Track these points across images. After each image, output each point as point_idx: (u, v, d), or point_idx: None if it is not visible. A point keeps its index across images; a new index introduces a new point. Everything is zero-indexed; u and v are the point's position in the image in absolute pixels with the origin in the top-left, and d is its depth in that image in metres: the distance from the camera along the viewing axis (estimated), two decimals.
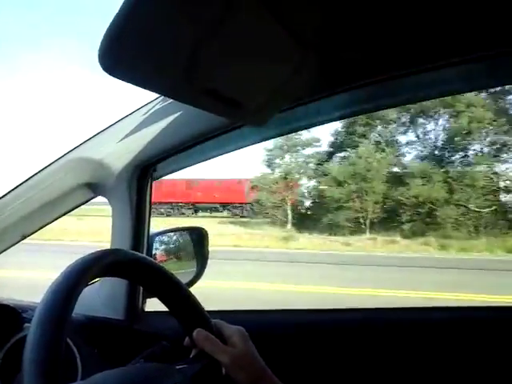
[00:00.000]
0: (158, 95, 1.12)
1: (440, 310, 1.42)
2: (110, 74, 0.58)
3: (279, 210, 22.03)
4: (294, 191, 22.33)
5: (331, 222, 19.14)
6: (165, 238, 1.35)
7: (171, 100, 1.10)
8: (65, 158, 1.21)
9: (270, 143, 23.36)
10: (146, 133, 1.13)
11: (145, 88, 0.66)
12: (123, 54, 0.57)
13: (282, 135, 1.22)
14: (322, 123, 1.20)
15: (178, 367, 0.83)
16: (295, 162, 22.80)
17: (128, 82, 0.62)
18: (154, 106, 1.13)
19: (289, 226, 21.35)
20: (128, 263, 0.82)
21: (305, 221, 20.91)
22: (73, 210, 1.26)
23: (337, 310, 1.41)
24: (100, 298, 1.21)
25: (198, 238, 1.37)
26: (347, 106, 1.13)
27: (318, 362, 1.22)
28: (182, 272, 1.28)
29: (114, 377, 0.76)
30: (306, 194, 22.80)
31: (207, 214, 27.69)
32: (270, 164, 23.40)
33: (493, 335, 1.23)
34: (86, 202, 1.26)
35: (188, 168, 1.32)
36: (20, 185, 1.22)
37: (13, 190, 1.23)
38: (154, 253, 1.26)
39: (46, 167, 1.22)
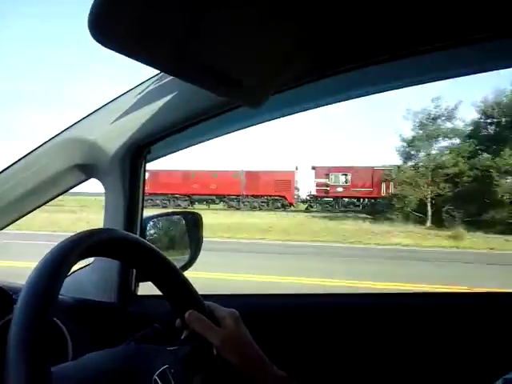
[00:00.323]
0: (152, 75, 1.10)
1: (440, 296, 1.42)
2: (100, 43, 0.56)
3: (417, 205, 21.55)
4: (439, 186, 21.76)
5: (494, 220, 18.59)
6: (159, 222, 1.33)
7: (165, 80, 1.09)
8: (57, 139, 1.19)
9: (408, 134, 22.94)
10: (140, 113, 1.12)
11: (138, 60, 0.63)
12: (115, 22, 0.54)
13: (278, 118, 1.20)
14: (318, 106, 1.18)
15: (168, 349, 0.83)
16: (438, 153, 22.22)
17: (119, 52, 0.59)
18: (148, 87, 1.12)
19: (428, 223, 20.89)
20: (120, 243, 0.81)
21: (453, 218, 20.26)
22: (65, 191, 1.25)
23: (336, 294, 1.41)
24: (92, 281, 1.20)
25: (193, 222, 1.36)
26: (343, 88, 1.12)
27: (313, 345, 1.22)
28: (175, 256, 1.27)
29: (103, 357, 0.76)
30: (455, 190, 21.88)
31: (203, 205, 27.58)
32: (409, 156, 23.14)
33: (487, 321, 1.23)
34: (79, 183, 1.24)
35: (181, 150, 1.31)
36: (11, 166, 1.20)
37: (3, 171, 1.21)
38: (147, 236, 1.25)
39: (37, 148, 1.20)
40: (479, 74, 1.08)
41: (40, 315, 0.60)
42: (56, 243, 0.69)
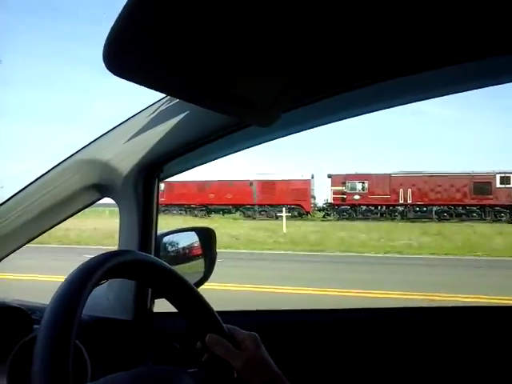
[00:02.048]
0: (164, 95, 1.13)
1: (440, 311, 1.42)
2: (114, 74, 0.59)
3: None
4: None
5: None
6: (172, 239, 1.35)
7: (177, 100, 1.11)
8: (71, 160, 1.23)
9: None
10: (153, 133, 1.15)
11: (151, 88, 0.67)
12: (128, 54, 0.57)
13: (288, 135, 1.22)
14: (328, 123, 1.20)
15: (189, 371, 0.84)
16: None
17: (133, 81, 0.62)
18: (160, 107, 1.14)
19: None
20: (138, 265, 0.83)
21: None
22: (80, 211, 1.28)
23: (351, 309, 1.41)
24: (108, 298, 1.22)
25: (206, 238, 1.38)
26: (353, 105, 1.14)
27: (330, 362, 1.22)
28: (189, 273, 1.29)
29: (124, 379, 0.77)
30: None
31: (219, 215, 27.57)
32: None
33: (491, 335, 1.23)
34: (93, 203, 1.28)
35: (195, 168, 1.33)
36: (27, 186, 1.24)
37: (20, 191, 1.25)
38: (161, 253, 1.27)
39: (52, 169, 1.23)
40: None
41: (65, 337, 0.62)
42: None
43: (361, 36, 0.86)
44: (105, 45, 0.55)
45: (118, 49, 0.56)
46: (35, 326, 0.95)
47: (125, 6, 0.53)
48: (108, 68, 0.57)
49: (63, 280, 0.69)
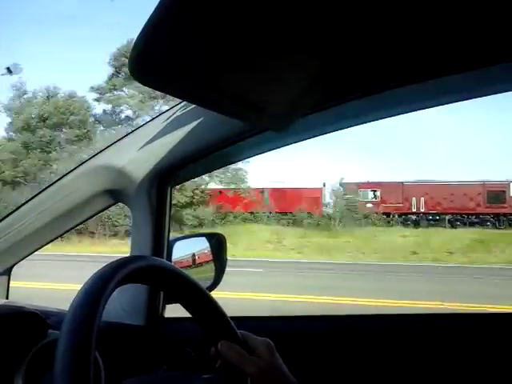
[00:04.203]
0: (178, 102, 1.15)
1: (440, 317, 1.43)
2: (139, 82, 0.65)
3: None
4: None
5: None
6: (184, 244, 1.37)
7: (191, 106, 1.14)
8: (86, 166, 1.26)
9: None
10: (167, 139, 1.18)
11: (171, 94, 0.74)
12: (152, 63, 0.63)
13: (303, 140, 1.24)
14: (340, 129, 1.22)
15: (203, 376, 0.86)
16: None
17: (156, 89, 0.69)
18: (173, 113, 1.17)
19: None
20: (154, 270, 0.85)
21: None
22: (93, 216, 1.31)
23: (367, 316, 1.42)
24: (120, 303, 1.24)
25: (217, 243, 1.40)
26: (366, 111, 1.16)
27: (346, 369, 1.24)
28: (200, 278, 1.31)
29: None
30: None
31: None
32: None
33: (491, 342, 1.25)
34: (106, 208, 1.31)
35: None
36: (42, 192, 1.27)
37: (35, 196, 1.28)
38: (173, 258, 1.29)
39: (67, 174, 1.27)
40: None
41: (86, 344, 0.64)
42: None
43: (377, 42, 0.89)
44: (130, 57, 0.61)
45: (142, 57, 0.61)
46: (50, 331, 0.96)
47: (150, 17, 0.57)
48: (132, 74, 0.63)
49: (81, 285, 0.71)
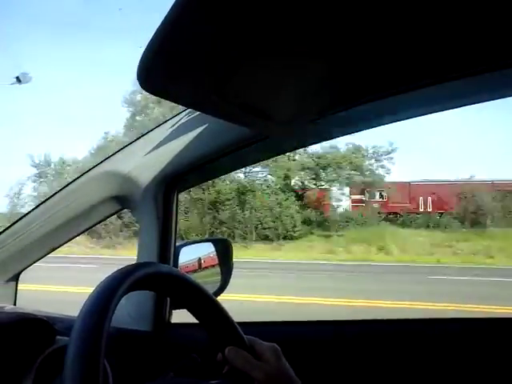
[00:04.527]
0: (184, 108, 1.16)
1: (440, 322, 1.43)
2: (146, 91, 0.66)
3: None
4: None
5: None
6: (190, 249, 1.38)
7: (197, 113, 1.15)
8: (92, 172, 1.27)
9: None
10: (172, 146, 1.18)
11: (178, 103, 0.75)
12: (159, 73, 0.64)
13: (308, 145, 1.25)
14: (349, 133, 1.23)
15: (210, 383, 0.86)
16: None
17: (163, 97, 0.70)
18: (179, 120, 1.18)
19: None
20: (161, 277, 0.85)
21: None
22: (99, 222, 1.32)
23: (374, 320, 1.42)
24: (127, 309, 1.25)
25: (223, 249, 1.40)
26: (372, 116, 1.16)
27: (354, 375, 1.24)
28: (207, 283, 1.32)
29: None
30: None
31: None
32: None
33: (491, 346, 1.25)
34: (113, 214, 1.32)
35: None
36: (49, 198, 1.29)
37: (42, 203, 1.29)
38: (179, 264, 1.30)
39: (74, 180, 1.28)
40: None
41: (96, 351, 0.65)
42: None
43: (383, 47, 0.89)
44: (138, 67, 0.61)
45: (150, 66, 0.62)
46: (58, 337, 0.97)
47: (158, 27, 0.58)
48: (139, 83, 0.64)
49: (91, 291, 0.72)
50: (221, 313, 0.92)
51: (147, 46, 0.59)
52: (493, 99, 1.08)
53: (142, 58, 0.60)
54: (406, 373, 1.24)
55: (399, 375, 1.24)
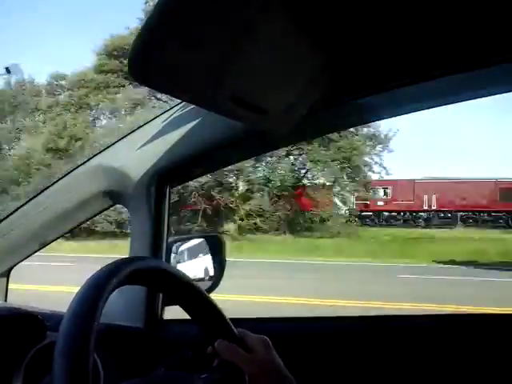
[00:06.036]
0: (177, 102, 1.16)
1: (441, 318, 1.45)
2: (139, 82, 0.67)
3: None
4: None
5: None
6: (182, 245, 1.39)
7: (190, 107, 1.16)
8: (84, 167, 1.28)
9: None
10: (166, 140, 1.19)
11: (173, 96, 0.75)
12: (152, 64, 0.63)
13: (303, 141, 1.26)
14: (343, 128, 1.24)
15: (201, 376, 0.87)
16: None
17: (156, 89, 0.72)
18: (172, 114, 1.19)
19: None
20: (152, 271, 0.86)
21: None
22: (92, 218, 1.32)
23: (367, 317, 1.43)
24: (118, 305, 1.25)
25: (215, 245, 1.41)
26: (368, 111, 1.16)
27: (344, 370, 1.25)
28: (199, 279, 1.32)
29: None
30: None
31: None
32: None
33: (489, 342, 1.25)
34: (105, 209, 1.33)
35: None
36: (40, 193, 1.29)
37: (33, 197, 1.30)
38: (171, 260, 1.30)
39: (65, 175, 1.28)
40: None
41: (84, 346, 0.65)
42: None
43: (380, 41, 0.90)
44: (130, 53, 0.62)
45: (142, 57, 0.62)
46: (48, 333, 0.98)
47: (149, 16, 0.59)
48: (131, 74, 0.64)
49: (81, 286, 0.73)
50: (212, 308, 0.93)
51: (138, 36, 0.60)
52: (500, 93, 1.09)
53: (133, 47, 0.61)
54: (404, 370, 1.25)
55: (397, 372, 1.25)
